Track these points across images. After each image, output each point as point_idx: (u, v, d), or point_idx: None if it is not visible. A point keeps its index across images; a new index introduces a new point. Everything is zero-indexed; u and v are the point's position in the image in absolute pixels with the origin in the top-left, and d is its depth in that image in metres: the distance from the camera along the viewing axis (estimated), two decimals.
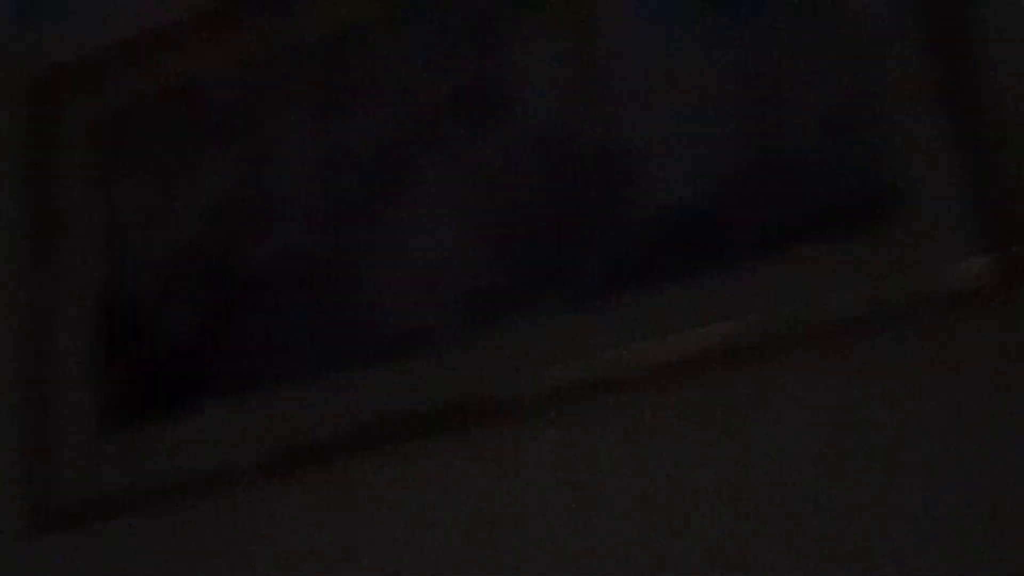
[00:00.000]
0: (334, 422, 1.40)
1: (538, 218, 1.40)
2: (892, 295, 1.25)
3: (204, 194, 1.53)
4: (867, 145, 1.30)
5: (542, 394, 1.34)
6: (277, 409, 1.43)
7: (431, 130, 1.47)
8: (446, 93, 1.47)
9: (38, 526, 1.49)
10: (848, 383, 1.27)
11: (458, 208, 1.43)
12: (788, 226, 1.30)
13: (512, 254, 1.40)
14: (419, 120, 1.47)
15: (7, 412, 1.56)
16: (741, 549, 1.26)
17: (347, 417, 1.40)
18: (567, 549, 1.31)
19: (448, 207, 1.43)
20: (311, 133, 1.51)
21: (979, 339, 1.24)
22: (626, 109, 1.40)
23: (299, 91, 1.53)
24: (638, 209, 1.36)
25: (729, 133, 1.35)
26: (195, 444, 1.44)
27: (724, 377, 1.30)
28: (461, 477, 1.36)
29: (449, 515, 1.36)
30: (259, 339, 1.46)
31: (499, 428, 1.36)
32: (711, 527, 1.28)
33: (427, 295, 1.41)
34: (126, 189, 1.58)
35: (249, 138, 1.54)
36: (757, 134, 1.34)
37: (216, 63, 1.58)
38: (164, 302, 1.51)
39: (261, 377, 1.44)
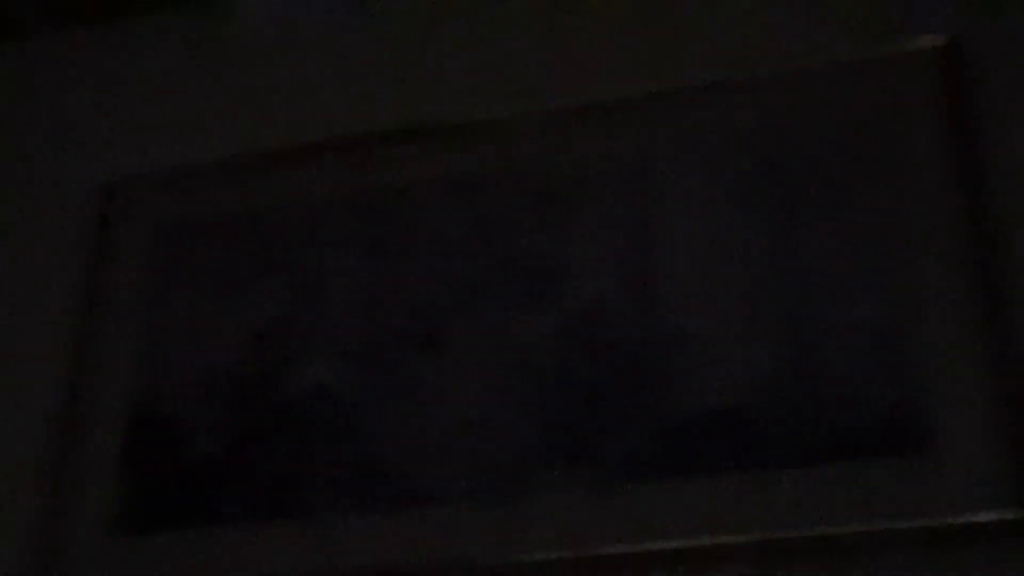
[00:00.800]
0: (339, 562, 1.40)
1: (569, 397, 1.41)
2: (910, 526, 1.26)
3: (248, 322, 1.56)
4: (903, 371, 1.31)
5: (539, 568, 1.34)
6: (284, 540, 1.43)
7: (476, 293, 1.49)
8: (497, 260, 1.50)
9: None
10: None
11: (491, 375, 1.45)
12: (815, 441, 1.31)
13: (536, 430, 1.41)
14: (466, 281, 1.50)
15: (27, 508, 1.56)
16: None
17: (351, 560, 1.40)
18: None
19: (481, 372, 1.45)
20: (358, 278, 1.54)
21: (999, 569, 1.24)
22: (671, 300, 1.42)
23: (352, 235, 1.57)
24: (671, 402, 1.38)
25: (769, 339, 1.37)
26: (204, 562, 1.44)
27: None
28: None
29: None
30: (280, 470, 1.47)
31: None
32: None
33: (446, 456, 1.42)
34: (175, 306, 1.61)
35: (297, 274, 1.57)
36: (797, 344, 1.36)
37: (276, 198, 1.62)
38: (195, 420, 1.53)
39: (275, 506, 1.45)
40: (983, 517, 1.25)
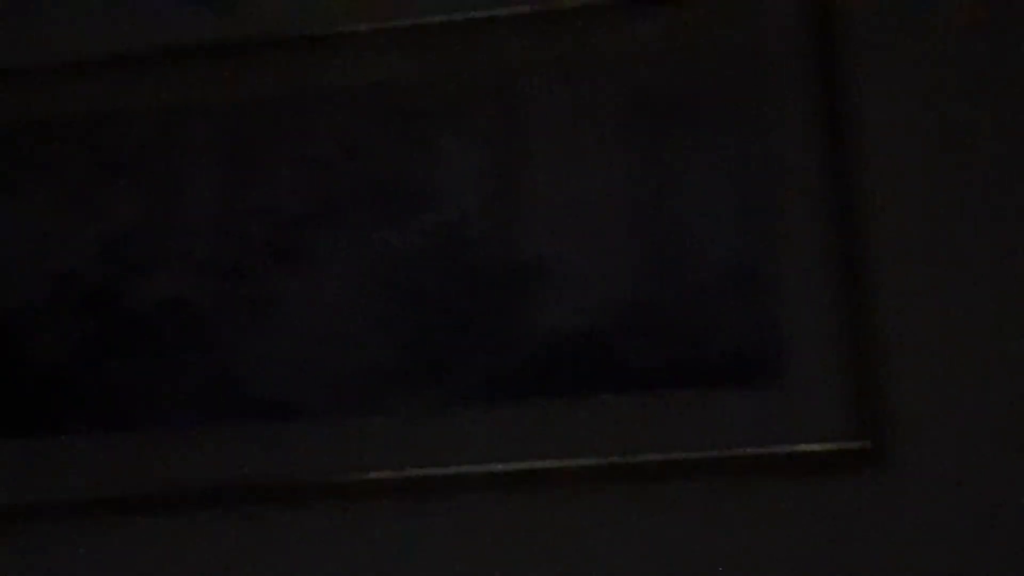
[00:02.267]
0: (184, 474, 1.38)
1: (428, 316, 1.41)
2: (756, 453, 1.29)
3: (97, 228, 1.51)
4: (758, 305, 1.35)
5: (391, 483, 1.35)
6: (130, 452, 1.40)
7: (338, 207, 1.48)
8: (359, 175, 1.49)
9: None
10: (697, 526, 1.30)
11: (350, 290, 1.44)
12: (669, 368, 1.34)
13: (394, 347, 1.40)
14: (328, 195, 1.48)
15: None
16: None
17: (199, 473, 1.38)
18: None
19: (340, 287, 1.44)
20: (217, 188, 1.51)
21: (834, 502, 1.29)
22: (534, 224, 1.43)
23: (211, 144, 1.53)
24: (529, 324, 1.39)
25: (630, 267, 1.39)
26: (46, 472, 1.41)
27: (566, 499, 1.33)
28: (288, 550, 1.36)
29: None
30: (129, 380, 1.44)
31: (335, 509, 1.36)
32: None
33: (304, 368, 1.41)
34: (20, 207, 1.55)
35: (151, 182, 1.53)
36: (657, 273, 1.38)
37: (130, 102, 1.57)
38: (38, 328, 1.48)
39: (123, 418, 1.42)
40: (826, 447, 1.29)
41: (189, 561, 1.37)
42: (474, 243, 1.44)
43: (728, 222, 1.39)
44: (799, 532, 1.28)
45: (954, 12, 1.44)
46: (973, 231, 1.36)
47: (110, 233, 1.51)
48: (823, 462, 1.29)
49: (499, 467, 1.33)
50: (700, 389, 1.33)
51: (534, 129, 1.47)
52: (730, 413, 1.31)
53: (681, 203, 1.41)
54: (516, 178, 1.45)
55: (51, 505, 1.40)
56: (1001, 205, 1.37)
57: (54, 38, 1.66)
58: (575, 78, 1.49)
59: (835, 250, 1.36)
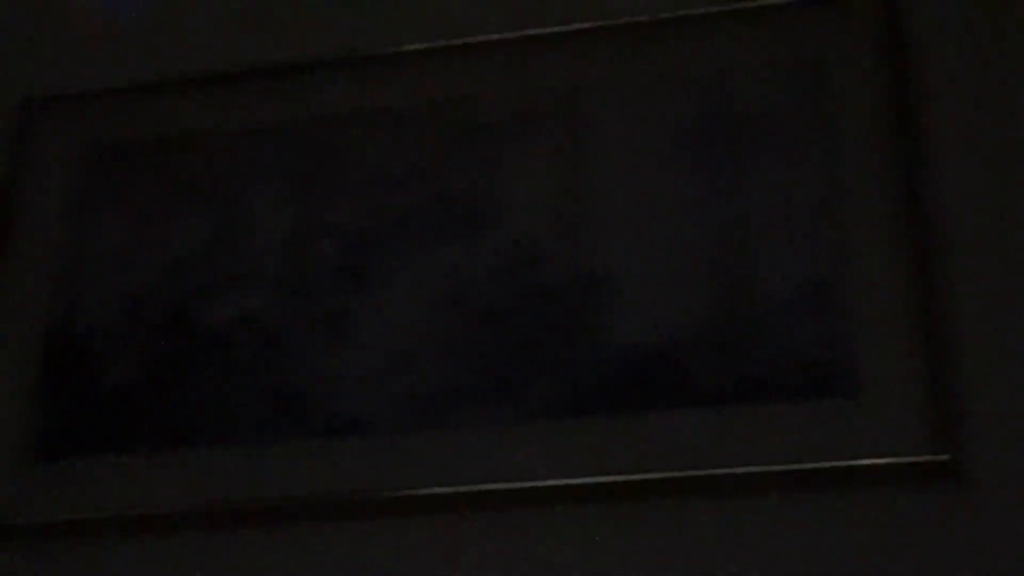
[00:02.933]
0: (258, 491, 1.39)
1: (497, 334, 1.41)
2: (832, 466, 1.28)
3: (173, 247, 1.53)
4: (832, 320, 1.33)
5: (462, 498, 1.34)
6: (203, 468, 1.41)
7: (408, 227, 1.48)
8: (426, 194, 1.49)
9: None
10: (773, 540, 1.28)
11: (418, 309, 1.44)
12: (743, 383, 1.33)
13: (463, 365, 1.40)
14: (398, 215, 1.49)
15: None
16: None
17: (271, 489, 1.39)
18: None
19: (409, 306, 1.44)
20: (288, 208, 1.52)
21: (911, 515, 1.27)
22: (605, 240, 1.42)
23: (280, 165, 1.55)
24: (600, 341, 1.38)
25: (700, 283, 1.38)
26: (120, 489, 1.42)
27: (639, 513, 1.32)
28: (358, 566, 1.36)
29: None
30: (200, 398, 1.44)
31: (405, 525, 1.36)
32: None
33: (374, 387, 1.41)
34: (97, 229, 1.57)
35: (226, 202, 1.54)
36: (728, 289, 1.37)
37: (203, 124, 1.59)
38: (113, 347, 1.49)
39: (194, 435, 1.43)
40: (903, 459, 1.27)
41: None
42: (543, 260, 1.43)
43: (800, 236, 1.38)
44: (877, 546, 1.26)
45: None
46: None
47: (181, 253, 1.53)
48: (901, 475, 1.27)
49: (570, 482, 1.32)
50: (774, 404, 1.31)
51: (601, 145, 1.47)
52: (805, 427, 1.30)
53: (752, 218, 1.40)
54: (584, 194, 1.45)
55: (125, 520, 1.41)
56: None
57: (125, 62, 1.68)
58: (642, 94, 1.48)
59: (908, 263, 1.34)
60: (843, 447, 1.28)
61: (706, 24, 1.50)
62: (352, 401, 1.41)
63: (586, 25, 1.53)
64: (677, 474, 1.30)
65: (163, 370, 1.47)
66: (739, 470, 1.29)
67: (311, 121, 1.56)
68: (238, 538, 1.39)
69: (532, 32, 1.54)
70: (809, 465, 1.28)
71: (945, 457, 1.26)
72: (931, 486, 1.27)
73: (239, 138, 1.57)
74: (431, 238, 1.47)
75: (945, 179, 1.39)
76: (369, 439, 1.39)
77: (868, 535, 1.27)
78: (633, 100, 1.48)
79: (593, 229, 1.43)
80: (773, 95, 1.45)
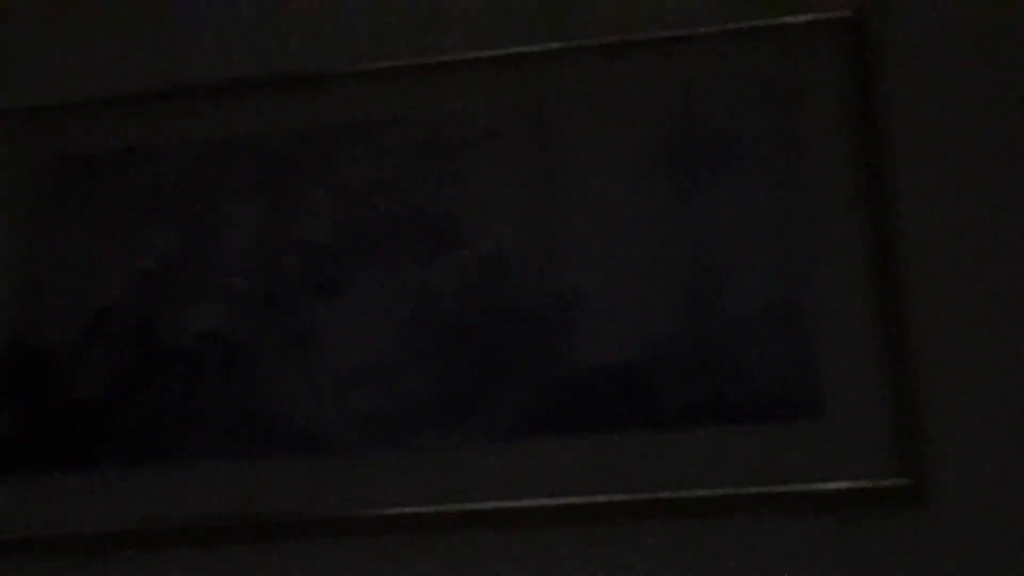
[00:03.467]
0: (221, 508, 1.38)
1: (464, 350, 1.41)
2: (795, 490, 1.28)
3: (137, 260, 1.52)
4: (796, 340, 1.34)
5: (426, 517, 1.34)
6: (166, 484, 1.41)
7: (376, 242, 1.48)
8: (394, 208, 1.49)
9: None
10: (734, 564, 1.29)
11: (386, 325, 1.44)
12: (706, 404, 1.34)
13: (432, 379, 1.40)
14: (366, 230, 1.49)
15: None
16: None
17: (234, 506, 1.38)
18: None
19: (376, 322, 1.44)
20: (255, 222, 1.52)
21: (873, 539, 1.28)
22: (572, 258, 1.43)
23: (247, 178, 1.54)
24: (567, 359, 1.38)
25: (666, 301, 1.39)
26: (80, 505, 1.41)
27: (602, 534, 1.32)
28: None
29: None
30: (164, 413, 1.44)
31: (369, 544, 1.36)
32: None
33: (340, 402, 1.41)
34: (58, 239, 1.56)
35: (191, 215, 1.54)
36: (693, 307, 1.38)
37: (168, 137, 1.58)
38: (75, 359, 1.48)
39: (158, 450, 1.42)
40: (866, 484, 1.28)
41: None
42: (509, 277, 1.44)
43: (765, 256, 1.39)
44: (839, 570, 1.27)
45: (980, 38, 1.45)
46: (1017, 267, 1.36)
47: (147, 266, 1.52)
48: (863, 500, 1.28)
49: (534, 502, 1.33)
50: (737, 425, 1.32)
51: (569, 163, 1.47)
52: (768, 449, 1.31)
53: (718, 237, 1.41)
54: (552, 212, 1.46)
55: (87, 536, 1.40)
56: None
57: (91, 72, 1.67)
58: (609, 112, 1.49)
59: (873, 284, 1.35)
60: (805, 470, 1.29)
61: (673, 44, 1.51)
62: (317, 417, 1.41)
63: (555, 45, 1.54)
64: (641, 496, 1.31)
65: (127, 384, 1.46)
66: (702, 492, 1.30)
67: (279, 135, 1.56)
68: (199, 555, 1.39)
69: (501, 51, 1.54)
70: (771, 488, 1.29)
71: (907, 481, 1.27)
72: (893, 511, 1.28)
73: (207, 151, 1.57)
74: (398, 254, 1.47)
75: (910, 200, 1.40)
76: (333, 456, 1.39)
77: (830, 559, 1.28)
78: (600, 118, 1.49)
79: (560, 246, 1.44)
80: (739, 114, 1.46)
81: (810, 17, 1.48)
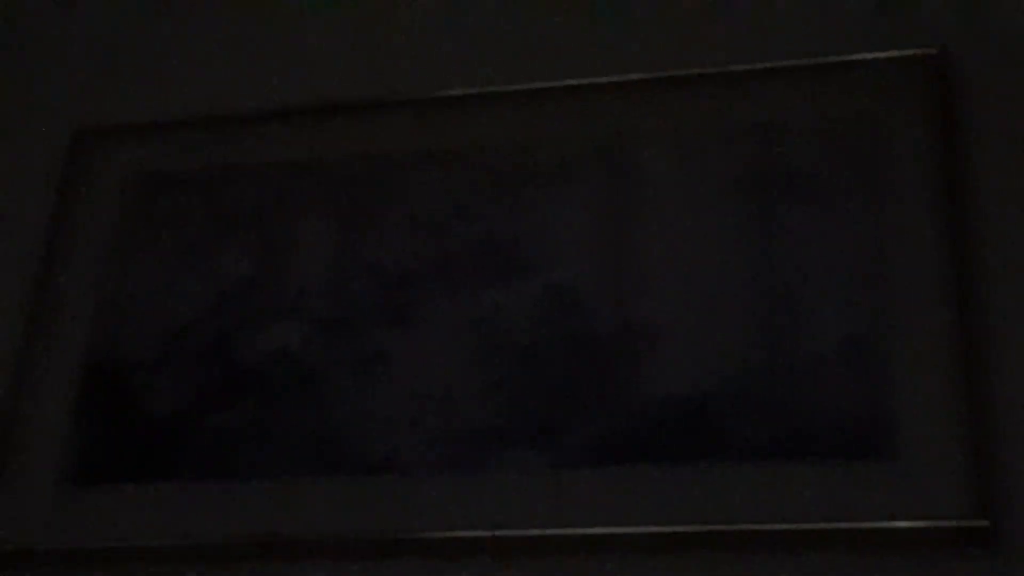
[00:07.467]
0: (291, 527, 1.39)
1: (535, 380, 1.40)
2: (868, 527, 1.26)
3: (215, 280, 1.54)
4: (871, 378, 1.32)
5: (493, 542, 1.33)
6: (237, 501, 1.41)
7: (448, 269, 1.48)
8: (470, 237, 1.50)
9: None
10: None
11: (457, 352, 1.44)
12: (778, 439, 1.31)
13: (501, 406, 1.40)
14: (438, 256, 1.49)
15: None
16: None
17: (303, 525, 1.38)
18: None
19: (448, 348, 1.44)
20: (331, 245, 1.53)
21: None
22: (646, 290, 1.42)
23: (325, 202, 1.55)
24: (637, 391, 1.37)
25: (740, 336, 1.37)
26: (155, 518, 1.42)
27: (666, 565, 1.30)
28: None
29: None
30: (237, 431, 1.45)
31: (434, 566, 1.35)
32: None
33: (409, 427, 1.41)
34: (140, 259, 1.58)
35: (269, 236, 1.55)
36: (767, 343, 1.36)
37: (249, 159, 1.60)
38: (153, 376, 1.50)
39: (230, 467, 1.43)
40: (941, 523, 1.25)
41: None
42: (582, 307, 1.43)
43: (841, 293, 1.37)
44: None
45: None
46: None
47: (225, 286, 1.54)
48: (938, 540, 1.24)
49: (601, 531, 1.31)
50: (810, 462, 1.30)
51: (645, 195, 1.47)
52: (841, 487, 1.28)
53: (793, 273, 1.39)
54: (626, 244, 1.45)
55: (157, 550, 1.41)
56: None
57: (177, 93, 1.70)
58: (689, 146, 1.48)
59: (951, 322, 1.33)
60: (879, 508, 1.26)
61: (755, 79, 1.50)
62: (386, 441, 1.41)
63: (636, 76, 1.54)
64: (709, 527, 1.29)
65: (200, 402, 1.48)
66: (772, 527, 1.27)
67: (357, 159, 1.57)
68: (268, 573, 1.39)
69: (581, 81, 1.55)
70: (844, 525, 1.26)
71: (984, 523, 1.24)
72: (969, 551, 1.25)
73: (285, 173, 1.59)
74: (472, 281, 1.47)
75: (990, 243, 1.38)
76: (402, 479, 1.38)
77: None
78: (680, 151, 1.48)
79: (634, 278, 1.43)
80: (821, 152, 1.44)
81: (895, 54, 1.47)
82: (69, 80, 1.76)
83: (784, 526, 1.27)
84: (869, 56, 1.48)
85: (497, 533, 1.33)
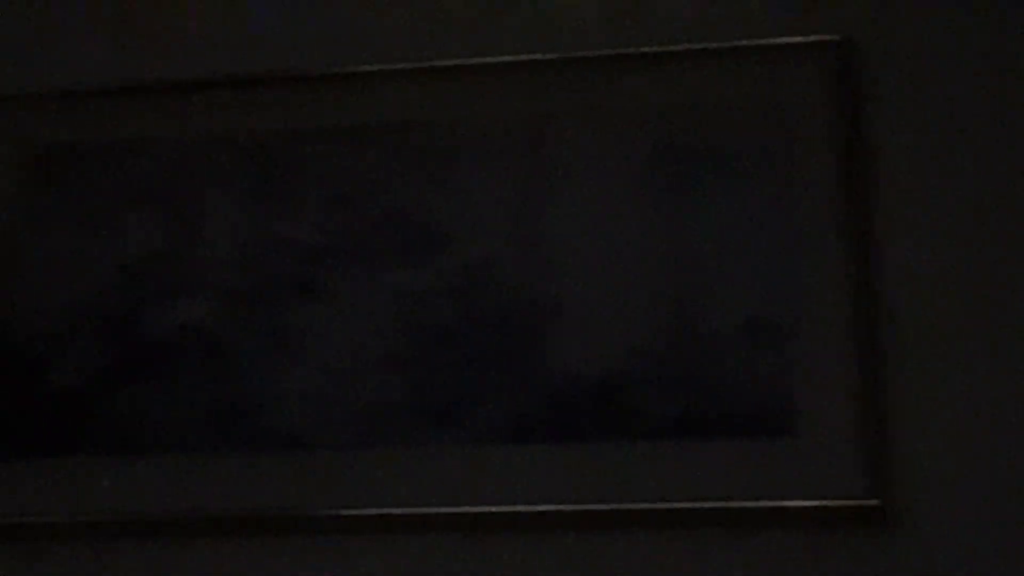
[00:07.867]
0: (195, 501, 1.40)
1: (444, 356, 1.42)
2: (768, 506, 1.30)
3: (119, 254, 1.53)
4: (775, 357, 1.35)
5: (399, 519, 1.35)
6: (142, 477, 1.42)
7: (358, 244, 1.48)
8: (381, 212, 1.50)
9: None
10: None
11: (366, 327, 1.44)
12: (683, 417, 1.35)
13: (408, 385, 1.41)
14: (349, 231, 1.49)
15: None
16: None
17: (209, 501, 1.39)
18: None
19: (357, 323, 1.45)
20: (242, 220, 1.52)
21: (840, 558, 1.29)
22: (557, 268, 1.44)
23: (233, 176, 1.54)
24: (546, 368, 1.39)
25: (648, 314, 1.40)
26: (58, 494, 1.42)
27: (570, 543, 1.33)
28: None
29: None
30: (143, 407, 1.45)
31: (340, 542, 1.37)
32: None
33: (318, 403, 1.42)
34: (43, 231, 1.56)
35: (173, 210, 1.54)
36: (674, 322, 1.39)
37: (163, 132, 1.58)
38: (56, 351, 1.49)
39: (136, 443, 1.43)
40: (836, 503, 1.29)
41: None
42: (492, 284, 1.44)
43: (747, 274, 1.40)
44: None
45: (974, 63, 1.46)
46: (994, 290, 1.36)
47: (132, 260, 1.53)
48: (832, 518, 1.29)
49: (508, 508, 1.34)
50: (711, 440, 1.33)
51: (557, 173, 1.48)
52: (741, 465, 1.32)
53: (701, 253, 1.42)
54: (539, 221, 1.46)
55: (63, 525, 1.40)
56: None
57: (81, 65, 1.67)
58: (602, 125, 1.50)
59: (853, 307, 1.36)
60: (776, 487, 1.30)
61: (669, 61, 1.52)
62: (295, 416, 1.42)
63: (552, 56, 1.54)
64: (612, 506, 1.32)
65: (107, 376, 1.47)
66: (674, 505, 1.31)
67: (270, 134, 1.56)
68: (172, 549, 1.39)
69: (497, 59, 1.55)
70: (740, 504, 1.30)
71: (876, 502, 1.28)
72: (861, 530, 1.29)
73: (195, 146, 1.57)
74: (383, 257, 1.48)
75: (893, 223, 1.41)
76: (311, 455, 1.39)
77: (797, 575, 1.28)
78: (593, 130, 1.50)
79: (546, 256, 1.45)
80: (729, 132, 1.46)
81: (801, 39, 1.49)
82: None
83: (685, 504, 1.31)
84: (777, 41, 1.50)
85: (406, 510, 1.34)
